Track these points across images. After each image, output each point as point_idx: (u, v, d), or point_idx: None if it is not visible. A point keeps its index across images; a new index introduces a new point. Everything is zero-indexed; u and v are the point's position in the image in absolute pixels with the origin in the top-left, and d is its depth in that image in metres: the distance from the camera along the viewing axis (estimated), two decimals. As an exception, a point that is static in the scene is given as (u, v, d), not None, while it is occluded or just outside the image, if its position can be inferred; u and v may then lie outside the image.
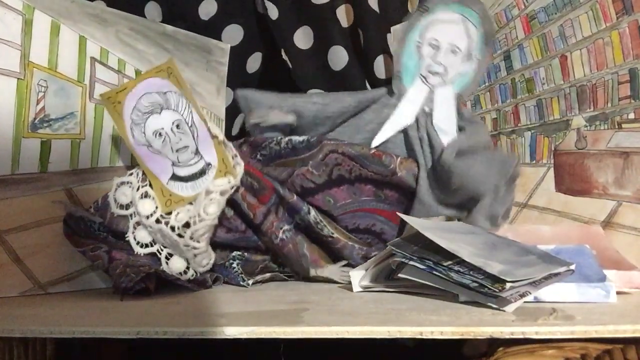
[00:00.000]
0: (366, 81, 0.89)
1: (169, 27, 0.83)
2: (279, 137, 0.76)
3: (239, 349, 0.60)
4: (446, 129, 0.74)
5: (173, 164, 0.73)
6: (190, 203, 0.72)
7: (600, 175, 0.70)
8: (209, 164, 0.73)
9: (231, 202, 0.73)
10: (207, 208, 0.70)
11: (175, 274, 0.71)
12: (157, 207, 0.72)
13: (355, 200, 0.74)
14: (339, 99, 0.78)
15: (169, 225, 0.71)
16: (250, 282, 0.72)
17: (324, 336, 0.46)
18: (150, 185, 0.73)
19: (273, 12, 0.86)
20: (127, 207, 0.72)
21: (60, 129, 0.74)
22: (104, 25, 0.78)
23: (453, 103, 0.75)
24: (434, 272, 0.55)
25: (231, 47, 0.87)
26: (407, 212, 0.73)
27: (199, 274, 0.73)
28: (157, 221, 0.71)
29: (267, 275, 0.74)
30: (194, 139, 0.72)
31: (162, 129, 0.72)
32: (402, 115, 0.76)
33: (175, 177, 0.73)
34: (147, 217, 0.71)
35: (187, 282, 0.70)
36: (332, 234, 0.72)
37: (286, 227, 0.73)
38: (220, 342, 0.47)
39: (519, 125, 0.79)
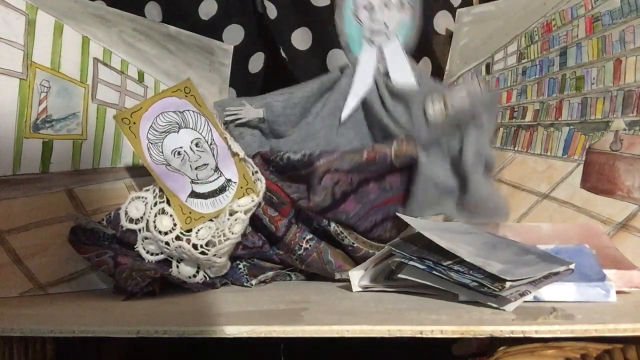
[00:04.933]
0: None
1: (172, 28, 0.83)
2: (282, 153, 0.76)
3: (239, 349, 0.60)
4: (404, 80, 0.77)
5: (192, 182, 0.73)
6: (211, 220, 0.72)
7: (628, 179, 0.71)
8: (229, 180, 0.73)
9: (251, 218, 0.72)
10: (233, 227, 0.70)
11: (184, 278, 0.71)
12: (175, 225, 0.72)
13: (365, 203, 0.74)
14: (303, 85, 0.82)
15: (190, 243, 0.70)
16: (254, 282, 0.72)
17: (324, 335, 0.46)
18: (168, 202, 0.73)
19: (272, 12, 0.87)
20: (137, 221, 0.72)
21: (62, 130, 0.74)
22: (107, 25, 0.78)
23: (403, 54, 0.78)
24: (434, 272, 0.55)
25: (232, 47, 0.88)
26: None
27: (208, 278, 0.73)
28: (178, 238, 0.71)
29: (270, 274, 0.74)
30: (213, 156, 0.72)
31: (181, 147, 0.71)
32: (361, 82, 0.78)
33: (194, 194, 0.73)
34: (165, 234, 0.71)
35: (195, 285, 0.70)
36: (353, 244, 0.72)
37: (309, 236, 0.73)
38: (220, 341, 0.47)
39: (559, 119, 0.80)
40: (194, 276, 0.72)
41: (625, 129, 0.73)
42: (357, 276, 0.63)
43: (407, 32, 0.78)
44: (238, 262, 0.75)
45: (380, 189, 0.74)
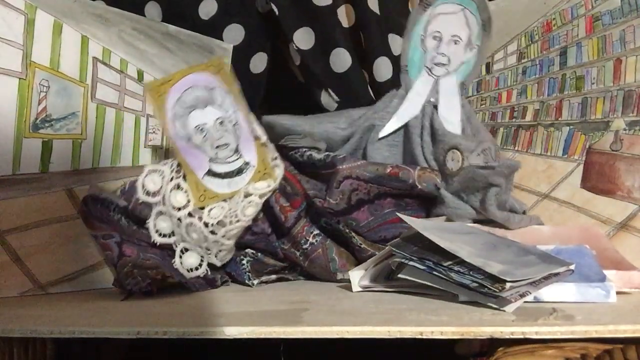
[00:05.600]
0: (368, 85, 0.89)
1: (172, 27, 0.83)
2: (303, 150, 0.77)
3: (239, 349, 0.60)
4: (450, 118, 0.77)
5: (211, 160, 0.73)
6: (224, 200, 0.72)
7: (628, 179, 0.71)
8: (247, 163, 0.73)
9: (263, 204, 0.72)
10: (246, 210, 0.70)
11: (186, 269, 0.71)
12: (189, 201, 0.71)
13: (378, 216, 0.74)
14: (362, 120, 0.81)
15: (202, 221, 0.70)
16: (256, 282, 0.72)
17: (324, 336, 0.46)
18: (184, 177, 0.72)
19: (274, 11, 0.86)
20: (154, 194, 0.71)
21: (61, 129, 0.74)
22: (107, 25, 0.78)
23: (457, 92, 0.78)
24: (434, 273, 0.55)
25: (233, 47, 0.87)
26: (429, 214, 0.75)
27: (209, 272, 0.72)
28: (190, 215, 0.71)
29: (273, 276, 0.74)
30: (235, 137, 0.72)
31: (205, 124, 0.71)
32: (410, 107, 0.79)
33: (211, 173, 0.73)
34: (179, 210, 0.70)
35: (196, 281, 0.70)
36: (360, 244, 0.72)
37: (316, 231, 0.73)
38: (220, 342, 0.47)
39: (559, 119, 0.80)
40: (197, 268, 0.71)
41: (625, 129, 0.73)
42: (357, 276, 0.63)
43: (467, 72, 0.79)
44: (242, 257, 0.74)
45: (397, 205, 0.74)
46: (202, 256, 0.72)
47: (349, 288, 0.63)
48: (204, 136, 0.71)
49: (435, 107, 0.79)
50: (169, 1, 0.89)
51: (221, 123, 0.72)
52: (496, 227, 0.70)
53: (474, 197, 0.72)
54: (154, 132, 0.83)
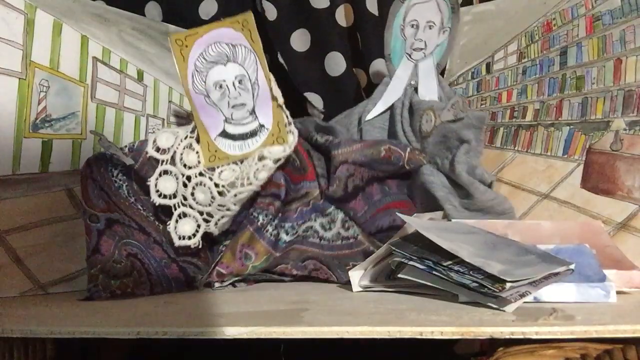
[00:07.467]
0: (362, 89, 0.90)
1: (172, 27, 0.84)
2: (312, 134, 0.77)
3: (239, 349, 0.60)
4: (429, 96, 0.83)
5: (225, 120, 0.73)
6: (236, 163, 0.72)
7: (628, 179, 0.71)
8: (262, 126, 0.73)
9: None
10: (258, 174, 0.70)
11: (179, 236, 0.70)
12: (199, 162, 0.71)
13: (370, 204, 0.74)
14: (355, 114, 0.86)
15: (212, 181, 0.70)
16: (217, 285, 0.70)
17: (324, 336, 0.46)
18: (197, 139, 0.72)
19: (271, 13, 0.87)
20: (164, 152, 0.71)
21: (61, 129, 0.74)
22: (107, 24, 0.78)
23: (434, 73, 0.84)
24: (434, 272, 0.55)
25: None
26: (409, 194, 0.77)
27: (201, 244, 0.70)
28: (201, 174, 0.70)
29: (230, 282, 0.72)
30: (253, 97, 0.72)
31: (224, 81, 0.71)
32: (393, 91, 0.84)
33: (224, 134, 0.73)
34: (189, 168, 0.70)
35: (174, 278, 0.69)
36: (357, 235, 0.73)
37: (265, 220, 0.72)
38: (220, 342, 0.47)
39: (559, 119, 0.80)
40: (190, 237, 0.70)
41: (625, 129, 0.73)
42: (357, 276, 0.63)
43: (442, 53, 0.83)
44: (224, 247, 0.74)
45: (382, 191, 0.75)
46: (198, 225, 0.71)
47: (349, 288, 0.63)
48: (222, 93, 0.71)
49: (416, 89, 0.83)
50: (169, 1, 0.90)
51: (240, 81, 0.71)
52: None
53: (447, 160, 0.74)
54: (153, 132, 0.83)
